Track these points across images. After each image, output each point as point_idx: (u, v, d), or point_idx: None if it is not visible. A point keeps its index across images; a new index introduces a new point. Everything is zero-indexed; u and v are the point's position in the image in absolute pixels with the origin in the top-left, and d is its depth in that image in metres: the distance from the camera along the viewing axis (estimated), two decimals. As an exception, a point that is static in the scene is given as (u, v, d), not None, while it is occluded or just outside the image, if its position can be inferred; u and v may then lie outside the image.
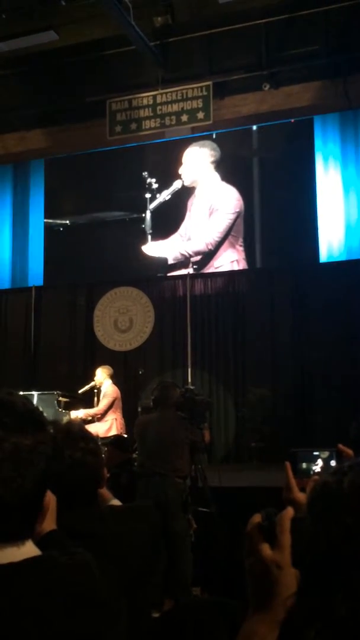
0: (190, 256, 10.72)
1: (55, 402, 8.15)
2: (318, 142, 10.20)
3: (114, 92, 9.87)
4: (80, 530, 1.72)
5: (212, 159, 10.78)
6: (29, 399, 1.15)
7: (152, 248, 10.96)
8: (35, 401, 7.96)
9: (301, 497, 1.52)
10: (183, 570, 4.86)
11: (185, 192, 10.87)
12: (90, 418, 7.80)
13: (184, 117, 9.49)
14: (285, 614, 1.00)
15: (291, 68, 9.25)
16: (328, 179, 10.08)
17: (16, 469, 1.04)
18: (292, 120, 10.24)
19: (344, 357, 9.23)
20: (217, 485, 5.63)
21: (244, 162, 10.80)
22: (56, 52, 9.64)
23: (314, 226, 10.04)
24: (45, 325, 11.12)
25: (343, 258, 9.90)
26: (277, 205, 10.38)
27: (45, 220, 11.69)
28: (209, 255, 10.64)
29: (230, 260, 10.55)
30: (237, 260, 10.54)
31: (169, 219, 10.92)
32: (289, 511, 1.14)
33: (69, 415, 7.81)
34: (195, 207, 10.84)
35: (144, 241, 11.00)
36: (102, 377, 8.07)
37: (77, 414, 7.84)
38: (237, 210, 10.59)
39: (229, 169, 10.76)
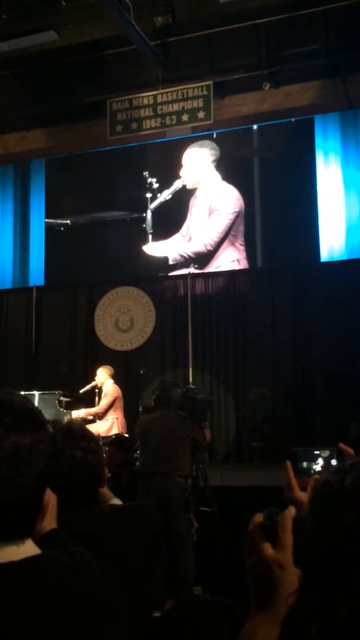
0: (190, 257, 10.73)
1: (57, 402, 8.15)
2: (318, 141, 10.20)
3: (115, 91, 9.86)
4: (81, 530, 1.71)
5: (213, 158, 10.78)
6: (28, 398, 1.15)
7: (153, 248, 10.96)
8: (36, 401, 7.96)
9: (302, 496, 1.52)
10: (184, 569, 4.86)
11: (186, 192, 10.88)
12: (91, 417, 7.80)
13: (185, 117, 9.49)
14: (286, 612, 1.00)
15: (291, 67, 9.25)
16: (329, 179, 10.08)
17: (15, 468, 1.03)
18: (293, 120, 10.24)
19: (345, 356, 9.23)
20: (219, 485, 5.63)
21: (244, 162, 10.80)
22: (56, 52, 9.64)
23: (314, 226, 10.03)
24: (46, 325, 11.13)
25: (344, 257, 9.90)
26: (278, 205, 10.38)
27: (46, 220, 11.70)
28: (209, 255, 10.64)
29: (230, 259, 10.55)
30: (237, 260, 10.54)
31: (170, 218, 10.92)
32: (291, 510, 1.13)
33: (70, 415, 7.81)
34: (196, 207, 10.84)
35: (145, 241, 11.00)
36: (103, 377, 8.07)
37: (79, 413, 7.84)
38: (237, 210, 10.59)
39: (230, 168, 10.76)
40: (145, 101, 9.68)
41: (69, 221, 11.69)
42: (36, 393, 8.26)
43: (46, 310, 11.19)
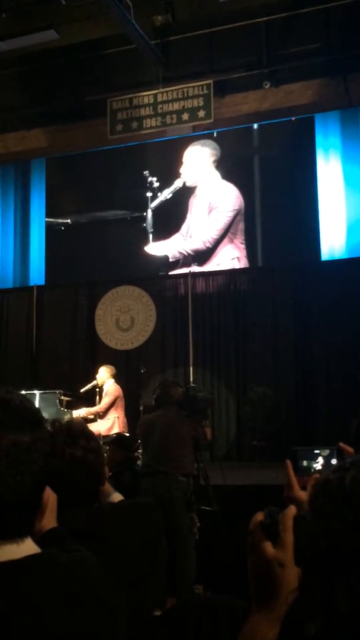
0: (189, 254, 10.73)
1: (57, 401, 8.15)
2: (319, 140, 10.19)
3: (115, 91, 9.86)
4: (81, 529, 1.71)
5: (214, 158, 10.78)
6: (26, 396, 1.14)
7: (154, 248, 10.96)
8: (37, 400, 7.97)
9: (302, 495, 1.51)
10: (186, 568, 4.86)
11: (187, 191, 10.87)
12: (92, 417, 7.80)
13: (185, 116, 9.48)
14: (286, 610, 1.00)
15: (292, 66, 9.24)
16: (329, 177, 10.07)
17: (14, 466, 1.03)
18: (293, 119, 10.24)
19: (346, 355, 9.23)
20: (220, 484, 5.63)
21: (244, 161, 10.79)
22: (56, 52, 9.64)
23: (315, 224, 10.03)
24: (47, 325, 11.13)
25: (344, 256, 9.89)
26: (278, 204, 10.38)
27: (47, 219, 11.69)
28: (208, 252, 10.64)
29: (230, 257, 10.55)
30: (237, 258, 10.54)
31: (170, 217, 10.91)
32: (292, 509, 1.13)
33: (71, 414, 7.81)
34: (195, 206, 10.84)
35: (145, 240, 10.99)
36: (105, 376, 8.06)
37: (79, 412, 7.84)
38: (236, 208, 10.58)
39: (230, 167, 10.75)
40: (146, 100, 9.67)
41: (69, 220, 11.68)
42: (37, 392, 8.26)
43: (47, 309, 11.19)
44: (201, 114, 9.40)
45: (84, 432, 1.99)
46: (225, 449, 9.66)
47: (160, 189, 10.94)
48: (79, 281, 11.26)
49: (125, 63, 9.72)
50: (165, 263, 10.87)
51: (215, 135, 10.66)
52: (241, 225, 10.58)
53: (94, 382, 8.18)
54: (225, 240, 10.58)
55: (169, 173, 10.92)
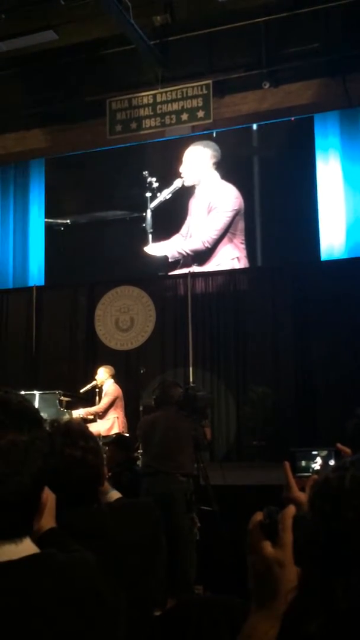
0: (188, 254, 10.73)
1: (57, 401, 8.15)
2: (318, 140, 10.19)
3: (114, 91, 9.87)
4: (80, 529, 1.71)
5: (214, 160, 10.78)
6: (24, 396, 1.14)
7: (154, 249, 10.96)
8: (37, 401, 7.97)
9: (301, 496, 1.51)
10: (186, 568, 4.86)
11: (186, 191, 10.87)
12: (91, 417, 7.81)
13: (184, 116, 9.48)
14: (286, 609, 1.00)
15: (291, 66, 9.25)
16: (329, 177, 10.07)
17: (13, 466, 1.03)
18: (293, 119, 10.23)
19: (346, 355, 9.22)
20: (220, 484, 5.62)
21: (244, 161, 10.79)
22: (56, 52, 9.65)
23: (314, 224, 10.03)
24: (47, 325, 11.12)
25: (344, 256, 9.89)
26: (278, 204, 10.38)
27: (46, 219, 11.69)
28: (207, 252, 10.64)
29: (230, 257, 10.55)
30: (237, 258, 10.54)
31: (170, 218, 10.91)
32: (291, 509, 1.13)
33: (71, 414, 7.81)
34: (194, 206, 10.84)
35: (145, 240, 10.99)
36: (104, 377, 8.07)
37: (79, 412, 7.84)
38: (236, 208, 10.58)
39: (229, 167, 10.75)
40: (145, 100, 9.68)
41: (68, 221, 11.68)
42: (36, 393, 8.26)
43: (46, 310, 11.19)
44: (200, 114, 9.41)
45: (83, 432, 1.99)
46: (225, 449, 9.66)
47: (160, 189, 10.93)
48: (79, 281, 11.26)
49: (124, 63, 9.72)
50: (164, 263, 10.87)
51: (214, 135, 10.66)
52: (241, 225, 10.58)
53: (94, 383, 8.18)
54: (225, 241, 10.58)
55: (168, 173, 10.91)
